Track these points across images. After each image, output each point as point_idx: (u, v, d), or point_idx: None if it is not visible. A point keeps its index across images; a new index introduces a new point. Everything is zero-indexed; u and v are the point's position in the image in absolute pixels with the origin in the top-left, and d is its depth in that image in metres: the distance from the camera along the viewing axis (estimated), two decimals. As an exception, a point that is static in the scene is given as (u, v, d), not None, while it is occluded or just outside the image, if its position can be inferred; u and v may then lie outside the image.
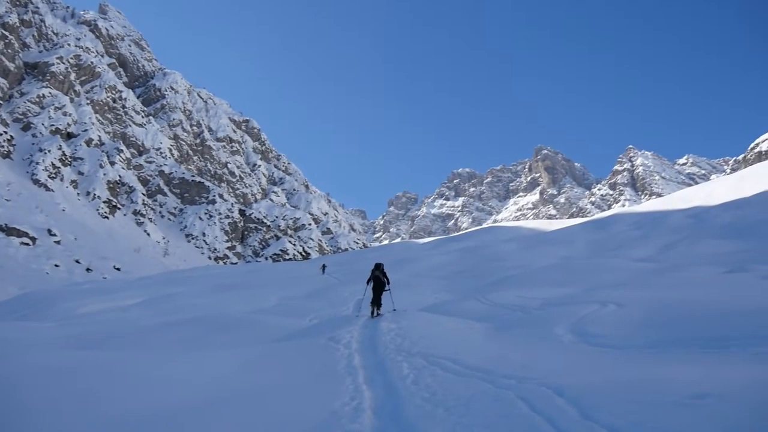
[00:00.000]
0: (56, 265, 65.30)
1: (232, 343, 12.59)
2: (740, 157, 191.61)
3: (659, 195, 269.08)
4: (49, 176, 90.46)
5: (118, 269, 74.04)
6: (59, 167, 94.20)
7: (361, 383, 7.34)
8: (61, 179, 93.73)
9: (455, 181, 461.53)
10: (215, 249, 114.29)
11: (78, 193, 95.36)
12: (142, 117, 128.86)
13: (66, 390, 6.76)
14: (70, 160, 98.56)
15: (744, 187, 47.99)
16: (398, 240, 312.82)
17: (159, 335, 14.55)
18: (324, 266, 44.67)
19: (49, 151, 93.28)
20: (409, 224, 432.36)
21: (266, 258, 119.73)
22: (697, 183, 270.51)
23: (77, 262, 69.27)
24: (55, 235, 72.15)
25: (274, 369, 8.47)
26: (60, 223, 77.70)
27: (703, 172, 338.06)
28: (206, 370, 8.35)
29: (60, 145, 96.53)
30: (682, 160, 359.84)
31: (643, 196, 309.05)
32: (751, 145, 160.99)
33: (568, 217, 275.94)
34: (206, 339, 13.58)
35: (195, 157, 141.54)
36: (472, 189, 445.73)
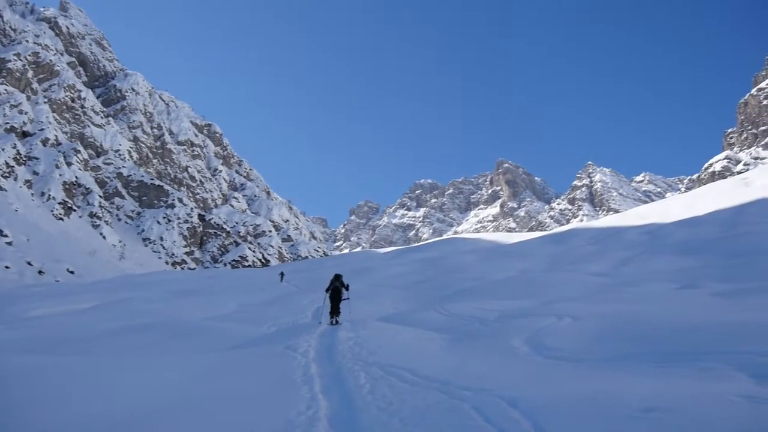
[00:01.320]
0: (7, 267, 63.33)
1: (189, 350, 12.46)
2: (694, 177, 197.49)
3: (616, 211, 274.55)
4: (2, 175, 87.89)
5: (72, 272, 72.26)
6: (13, 166, 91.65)
7: (318, 392, 7.32)
8: (15, 179, 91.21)
9: (417, 191, 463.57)
10: (173, 254, 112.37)
11: (32, 194, 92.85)
12: (102, 118, 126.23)
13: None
14: (24, 159, 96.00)
15: (698, 205, 49.14)
16: (359, 249, 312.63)
17: (116, 340, 14.29)
18: (282, 274, 44.44)
19: (3, 149, 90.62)
20: (371, 233, 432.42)
21: (225, 264, 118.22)
22: (653, 200, 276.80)
23: (29, 264, 67.33)
24: (6, 235, 70.06)
25: (231, 376, 8.41)
26: (12, 224, 75.46)
27: (659, 189, 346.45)
28: (165, 375, 8.28)
29: (15, 144, 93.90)
30: (639, 178, 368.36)
31: (600, 212, 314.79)
32: (705, 165, 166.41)
33: (528, 231, 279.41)
34: (164, 345, 13.42)
35: (155, 160, 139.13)
36: (433, 200, 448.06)
